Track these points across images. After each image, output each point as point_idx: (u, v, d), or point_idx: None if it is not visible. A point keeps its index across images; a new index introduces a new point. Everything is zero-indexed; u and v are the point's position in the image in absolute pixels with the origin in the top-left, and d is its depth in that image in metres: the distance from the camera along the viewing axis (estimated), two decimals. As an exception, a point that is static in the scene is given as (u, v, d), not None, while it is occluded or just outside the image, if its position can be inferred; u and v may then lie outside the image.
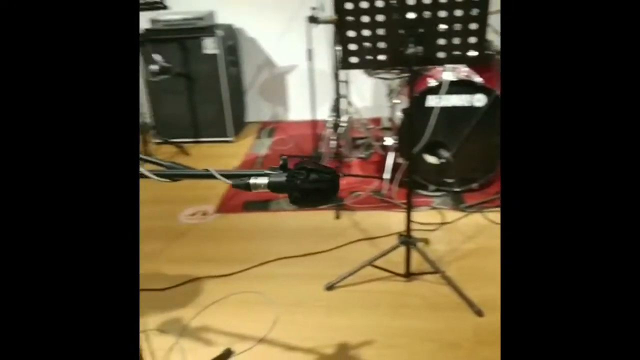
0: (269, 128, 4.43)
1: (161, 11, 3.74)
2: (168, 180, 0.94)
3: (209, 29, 3.90)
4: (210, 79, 3.98)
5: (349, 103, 3.52)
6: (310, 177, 0.82)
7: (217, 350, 1.96)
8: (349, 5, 1.97)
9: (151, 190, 3.31)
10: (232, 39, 4.20)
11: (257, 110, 4.58)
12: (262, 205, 3.10)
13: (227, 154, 3.90)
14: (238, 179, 0.88)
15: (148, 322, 2.13)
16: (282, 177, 0.85)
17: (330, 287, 2.31)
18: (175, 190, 3.26)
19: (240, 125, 4.38)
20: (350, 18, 2.01)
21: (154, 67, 3.78)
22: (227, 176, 0.88)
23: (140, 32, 3.84)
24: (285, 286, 2.35)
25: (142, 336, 1.91)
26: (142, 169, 0.94)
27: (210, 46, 3.91)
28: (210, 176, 0.87)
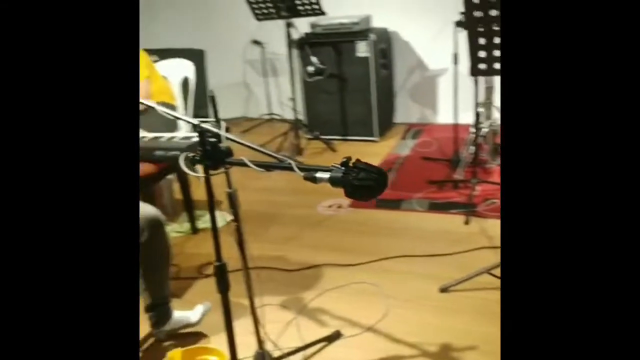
0: (415, 130, 4.50)
1: (321, 16, 4.03)
2: (263, 170, 1.13)
3: (363, 33, 4.10)
4: (361, 81, 4.18)
5: (494, 109, 3.45)
6: (360, 175, 0.94)
7: (328, 331, 2.13)
8: (478, 14, 1.99)
9: (296, 182, 3.63)
10: (385, 42, 4.35)
11: (405, 111, 4.68)
12: (394, 203, 3.21)
13: (370, 153, 4.07)
14: (309, 172, 1.03)
15: (273, 297, 2.39)
16: (339, 173, 0.99)
17: (444, 289, 2.34)
18: (316, 182, 3.53)
19: (387, 125, 4.52)
20: (480, 27, 2.03)
21: (310, 69, 4.11)
22: (302, 169, 1.04)
23: (300, 36, 4.18)
24: (401, 282, 2.44)
25: (263, 309, 2.17)
26: (244, 159, 1.14)
27: (362, 49, 4.11)
28: (291, 168, 1.04)
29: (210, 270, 2.59)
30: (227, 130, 1.47)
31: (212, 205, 1.36)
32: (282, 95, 4.93)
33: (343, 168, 0.99)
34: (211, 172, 1.30)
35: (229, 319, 1.50)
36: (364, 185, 0.94)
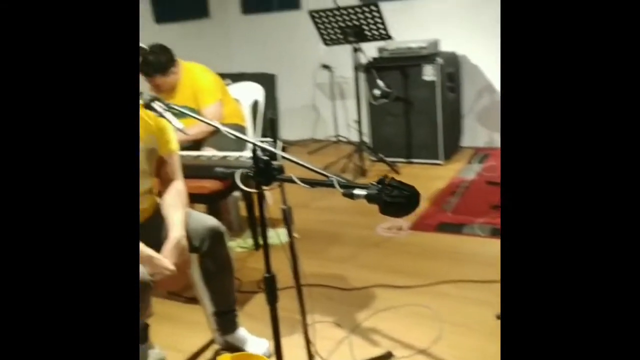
0: (482, 154, 4.42)
1: (389, 40, 4.10)
2: (309, 186, 1.20)
3: (430, 57, 4.13)
4: (427, 104, 4.19)
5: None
6: (393, 193, 0.98)
7: (380, 351, 2.15)
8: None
9: (357, 203, 3.67)
10: (453, 66, 4.34)
11: (473, 135, 4.62)
12: (455, 228, 3.18)
13: (434, 176, 4.05)
14: (348, 189, 1.08)
15: (328, 314, 2.44)
16: (375, 191, 1.03)
17: (500, 317, 2.29)
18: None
19: (453, 149, 4.48)
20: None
21: (376, 92, 4.17)
22: (342, 186, 1.09)
23: (368, 60, 4.26)
24: (457, 307, 2.42)
25: (317, 326, 2.22)
26: (292, 176, 1.21)
27: (429, 73, 4.13)
28: (333, 185, 1.10)
29: (269, 285, 2.68)
30: (284, 149, 1.56)
31: (263, 218, 1.45)
32: (349, 118, 5.02)
33: (379, 186, 1.04)
34: (263, 187, 1.38)
35: (277, 330, 1.56)
36: (396, 202, 0.98)
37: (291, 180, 1.24)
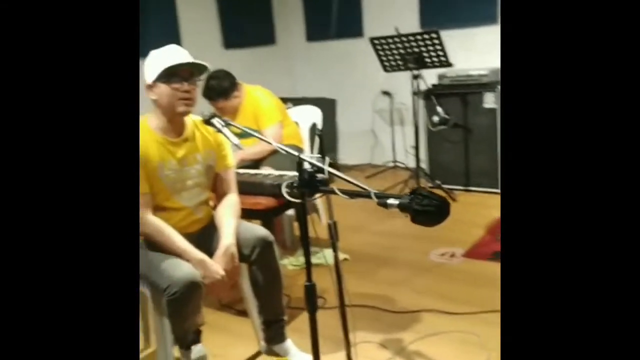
0: (544, 184, 4.30)
1: (449, 68, 4.11)
2: (347, 197, 1.25)
3: (491, 85, 4.10)
4: (487, 132, 4.14)
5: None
6: (423, 202, 1.01)
7: (424, 375, 2.13)
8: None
9: (413, 228, 3.66)
10: (515, 94, 4.28)
11: (535, 165, 4.50)
12: (511, 257, 3.10)
13: (492, 205, 3.97)
14: (382, 199, 1.12)
15: (374, 335, 2.44)
16: (407, 200, 1.06)
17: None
18: (434, 229, 3.54)
19: (514, 178, 4.38)
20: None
21: (435, 118, 4.18)
22: (378, 196, 1.13)
23: (428, 86, 4.28)
24: (507, 336, 2.35)
25: (362, 346, 2.23)
26: (334, 188, 1.26)
27: (489, 100, 4.09)
28: (369, 196, 1.14)
29: (318, 302, 2.70)
30: (331, 165, 1.61)
31: (305, 228, 1.50)
32: (407, 144, 5.04)
33: (412, 196, 1.07)
34: (307, 198, 1.44)
35: (316, 339, 1.60)
36: (425, 211, 1.01)
37: (332, 192, 1.30)
